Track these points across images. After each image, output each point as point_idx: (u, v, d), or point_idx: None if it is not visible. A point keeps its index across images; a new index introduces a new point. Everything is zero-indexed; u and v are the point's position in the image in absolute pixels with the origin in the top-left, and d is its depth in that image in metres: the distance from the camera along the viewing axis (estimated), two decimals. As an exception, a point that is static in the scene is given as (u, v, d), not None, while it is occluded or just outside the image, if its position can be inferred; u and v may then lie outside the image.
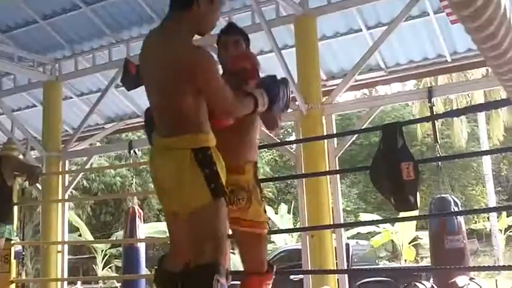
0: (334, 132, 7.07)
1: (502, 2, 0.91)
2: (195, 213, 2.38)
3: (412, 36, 7.44)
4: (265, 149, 19.33)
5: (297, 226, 16.48)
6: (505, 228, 20.01)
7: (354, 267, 10.52)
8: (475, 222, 21.64)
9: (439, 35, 7.11)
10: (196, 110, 2.41)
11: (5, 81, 9.75)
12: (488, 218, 20.36)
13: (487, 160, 20.43)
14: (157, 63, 2.45)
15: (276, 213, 18.58)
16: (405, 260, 16.93)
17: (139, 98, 8.52)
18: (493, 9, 0.84)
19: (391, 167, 3.72)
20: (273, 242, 18.29)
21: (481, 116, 20.19)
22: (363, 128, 7.07)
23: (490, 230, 20.44)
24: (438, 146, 6.34)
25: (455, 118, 19.03)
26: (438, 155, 6.60)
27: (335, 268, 6.34)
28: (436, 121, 7.49)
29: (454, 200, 6.30)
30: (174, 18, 2.48)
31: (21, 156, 7.87)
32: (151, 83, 2.54)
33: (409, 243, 17.10)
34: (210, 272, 2.27)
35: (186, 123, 2.41)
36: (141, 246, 7.89)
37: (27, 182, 5.76)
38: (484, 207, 21.15)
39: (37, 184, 6.97)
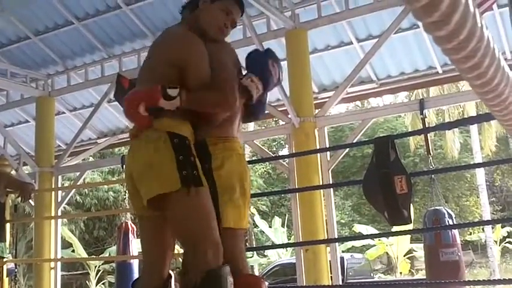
0: (327, 144, 7.07)
1: (485, 33, 0.92)
2: (166, 200, 2.23)
3: (402, 49, 7.50)
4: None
5: (291, 239, 16.44)
6: (500, 239, 20.00)
7: (349, 281, 10.49)
8: (470, 234, 21.65)
9: (429, 46, 7.16)
10: None
11: (-3, 97, 9.74)
12: (483, 229, 20.35)
13: (480, 171, 20.47)
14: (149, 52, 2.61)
15: (270, 226, 18.54)
16: (400, 273, 16.92)
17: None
18: (476, 42, 0.86)
19: (384, 181, 3.73)
20: (267, 256, 18.24)
21: (474, 127, 20.28)
22: (355, 140, 7.08)
23: (485, 241, 20.43)
24: (431, 158, 6.35)
25: (447, 129, 19.10)
26: (431, 167, 6.60)
27: (330, 283, 6.30)
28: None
29: (448, 212, 6.29)
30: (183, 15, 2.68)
31: (13, 172, 7.85)
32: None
33: (404, 256, 17.10)
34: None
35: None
36: (134, 262, 7.84)
37: (20, 199, 5.73)
38: (479, 219, 21.15)
39: (30, 200, 6.94)
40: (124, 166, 2.66)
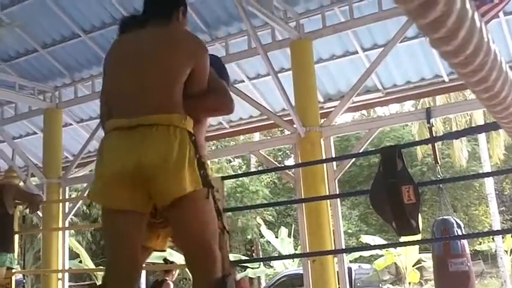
0: (333, 154, 7.06)
1: (492, 47, 0.92)
2: (189, 199, 2.21)
3: (408, 57, 7.50)
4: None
5: (298, 250, 16.38)
6: (511, 249, 19.79)
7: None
8: (480, 243, 21.44)
9: (435, 55, 7.16)
10: (181, 93, 2.39)
11: (6, 110, 9.81)
12: (493, 238, 20.18)
13: (489, 180, 20.34)
14: (152, 45, 2.44)
15: (277, 236, 18.46)
16: (409, 283, 16.78)
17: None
18: (483, 56, 0.86)
19: (391, 191, 3.71)
20: (272, 267, 18.14)
21: (482, 135, 20.18)
22: (362, 150, 7.06)
23: (496, 251, 20.25)
24: (439, 167, 6.32)
25: (455, 138, 18.98)
26: (439, 176, 6.56)
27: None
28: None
29: (456, 221, 6.24)
30: (159, 21, 2.56)
31: (21, 184, 7.88)
32: (131, 64, 2.43)
33: (413, 266, 16.96)
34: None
35: (178, 104, 2.34)
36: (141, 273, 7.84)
37: (28, 210, 5.75)
38: (488, 228, 20.97)
39: (38, 211, 6.97)
40: (118, 152, 2.27)
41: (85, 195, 9.87)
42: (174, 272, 7.87)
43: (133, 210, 2.26)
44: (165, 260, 8.87)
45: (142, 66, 2.38)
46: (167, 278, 7.49)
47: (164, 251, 2.75)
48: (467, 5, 0.74)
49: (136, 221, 2.29)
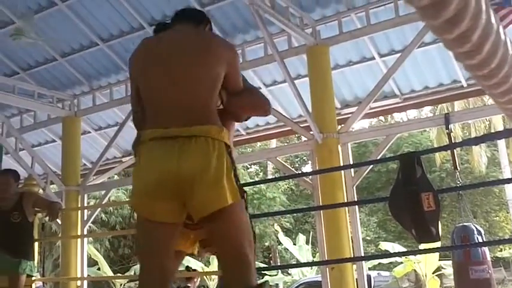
0: (351, 160, 7.02)
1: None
2: (229, 211, 2.21)
3: (426, 63, 7.45)
4: (283, 179, 19.20)
5: (316, 257, 16.29)
6: (534, 256, 19.47)
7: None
8: (501, 250, 21.10)
9: (453, 60, 7.08)
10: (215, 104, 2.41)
11: (25, 118, 9.92)
12: (514, 245, 19.87)
13: (509, 185, 20.06)
14: (192, 52, 2.40)
15: (294, 244, 18.37)
16: (429, 291, 16.57)
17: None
18: (508, 67, 0.85)
19: (410, 198, 3.68)
20: (290, 274, 18.05)
21: (501, 141, 19.93)
22: (380, 156, 7.02)
23: (517, 258, 19.93)
24: (458, 173, 6.25)
25: (473, 143, 18.78)
26: (458, 183, 6.48)
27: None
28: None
29: (477, 228, 6.15)
30: (193, 26, 2.60)
31: (41, 191, 7.96)
32: (170, 72, 2.36)
33: (433, 273, 16.75)
34: None
35: (215, 115, 2.35)
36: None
37: (47, 218, 5.79)
38: (509, 235, 20.69)
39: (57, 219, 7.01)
40: (157, 163, 2.24)
41: (103, 202, 9.95)
42: (195, 280, 7.87)
43: (170, 222, 2.28)
44: (188, 267, 8.87)
45: (181, 75, 2.35)
46: (189, 285, 7.48)
47: (194, 254, 2.77)
48: (493, 20, 0.73)
49: (172, 231, 2.30)
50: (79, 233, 8.31)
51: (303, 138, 7.61)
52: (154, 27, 2.77)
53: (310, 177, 7.07)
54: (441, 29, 0.69)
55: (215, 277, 16.18)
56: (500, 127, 17.53)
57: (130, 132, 9.30)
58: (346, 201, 6.45)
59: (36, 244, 6.02)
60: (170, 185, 2.19)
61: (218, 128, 2.28)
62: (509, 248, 20.75)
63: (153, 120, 2.34)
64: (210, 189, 2.18)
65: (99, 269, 17.38)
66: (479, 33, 0.71)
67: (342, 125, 6.97)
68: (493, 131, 17.19)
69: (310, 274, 16.24)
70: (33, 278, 5.73)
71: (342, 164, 6.61)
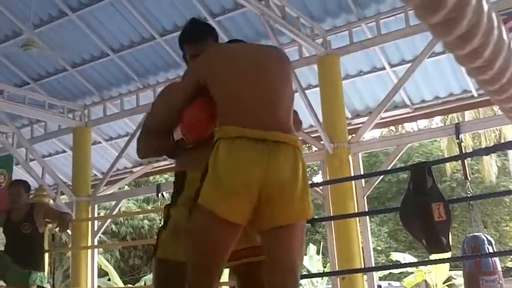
0: (362, 170, 7.01)
1: None
2: (301, 226, 2.23)
3: (436, 73, 7.43)
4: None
5: (327, 267, 16.20)
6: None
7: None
8: (511, 260, 20.99)
9: (464, 70, 7.06)
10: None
11: (36, 128, 9.97)
12: (525, 255, 19.71)
13: (520, 195, 19.94)
14: (272, 60, 2.44)
15: (305, 254, 18.31)
16: (440, 301, 16.43)
17: (167, 142, 8.61)
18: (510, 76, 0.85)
19: (421, 208, 3.68)
20: (301, 284, 17.95)
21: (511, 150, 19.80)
22: (391, 166, 7.00)
23: (528, 268, 19.75)
24: (469, 184, 6.21)
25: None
26: (469, 192, 6.44)
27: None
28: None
29: (487, 238, 6.11)
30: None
31: (51, 202, 7.98)
32: (257, 77, 2.34)
33: (444, 283, 16.62)
34: None
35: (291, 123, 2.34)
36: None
37: (58, 229, 5.81)
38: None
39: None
40: (244, 163, 2.13)
41: (114, 213, 9.96)
42: None
43: (241, 224, 2.19)
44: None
45: (270, 82, 2.34)
46: None
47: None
48: (504, 36, 0.73)
49: (236, 233, 2.21)
50: (89, 244, 8.33)
51: (314, 148, 7.60)
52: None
53: (321, 187, 7.06)
54: (453, 45, 0.69)
55: None
56: (510, 137, 17.41)
57: (140, 142, 9.35)
58: (356, 211, 6.43)
59: (46, 255, 6.03)
60: (255, 188, 2.11)
61: (298, 139, 2.26)
62: (521, 258, 20.57)
63: (235, 118, 2.24)
64: (297, 201, 2.15)
65: (109, 279, 17.38)
66: (491, 49, 0.71)
67: (353, 135, 6.96)
68: (503, 140, 17.09)
69: (321, 284, 16.15)
70: (43, 289, 5.75)
71: (352, 174, 6.60)
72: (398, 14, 6.78)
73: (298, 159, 2.18)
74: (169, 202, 2.58)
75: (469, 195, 6.31)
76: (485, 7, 0.68)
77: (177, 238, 2.38)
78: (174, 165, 2.71)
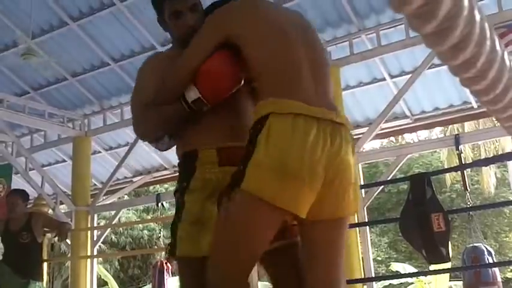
0: (362, 181, 7.00)
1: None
2: (348, 221, 2.01)
3: (436, 84, 7.45)
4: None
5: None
6: (544, 277, 19.24)
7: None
8: (511, 271, 20.93)
9: (462, 81, 7.09)
10: None
11: (35, 137, 9.97)
12: (524, 266, 19.63)
13: (520, 206, 19.88)
14: (311, 28, 2.14)
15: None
16: (440, 311, 16.36)
17: (166, 152, 8.61)
18: (502, 88, 0.85)
19: (421, 219, 3.69)
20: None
21: (511, 161, 19.78)
22: (390, 177, 6.99)
23: (528, 279, 19.69)
24: (468, 195, 6.20)
25: (484, 163, 18.68)
26: (468, 203, 6.44)
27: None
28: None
29: (487, 249, 6.10)
30: None
31: (50, 211, 7.97)
32: (309, 45, 2.03)
33: (443, 294, 16.56)
34: None
35: None
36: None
37: (56, 238, 5.81)
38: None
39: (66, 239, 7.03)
40: (309, 146, 1.79)
41: (113, 222, 9.94)
42: None
43: (289, 212, 1.83)
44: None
45: (319, 54, 2.05)
46: None
47: None
48: (497, 47, 0.74)
49: (280, 223, 1.89)
50: (89, 254, 8.30)
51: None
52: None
53: (320, 197, 7.04)
54: (447, 55, 0.70)
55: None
56: (509, 147, 17.42)
57: (141, 152, 9.36)
58: (356, 221, 6.41)
59: (45, 264, 6.02)
60: (322, 174, 1.81)
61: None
62: (521, 269, 20.50)
63: (291, 91, 1.89)
64: (353, 190, 1.92)
65: (108, 289, 17.34)
66: (484, 60, 0.71)
67: (353, 146, 6.95)
68: (501, 152, 17.09)
69: (320, 295, 16.05)
70: (42, 299, 5.73)
71: (352, 185, 6.58)
72: (399, 25, 6.79)
73: (353, 143, 1.98)
74: (177, 188, 2.18)
75: (468, 206, 6.32)
76: (478, 18, 0.69)
77: (196, 230, 2.00)
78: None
